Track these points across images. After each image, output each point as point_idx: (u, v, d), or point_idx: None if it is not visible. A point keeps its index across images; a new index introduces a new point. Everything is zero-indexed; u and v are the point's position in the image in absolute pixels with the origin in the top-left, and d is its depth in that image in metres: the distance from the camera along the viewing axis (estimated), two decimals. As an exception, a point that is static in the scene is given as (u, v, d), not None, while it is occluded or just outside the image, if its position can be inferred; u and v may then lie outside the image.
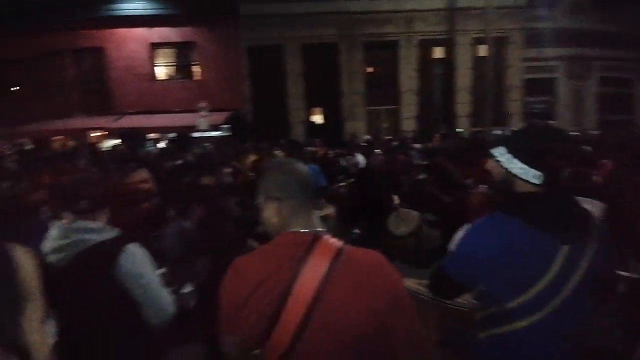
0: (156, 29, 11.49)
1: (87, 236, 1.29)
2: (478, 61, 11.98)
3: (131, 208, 2.39)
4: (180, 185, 4.22)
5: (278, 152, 6.59)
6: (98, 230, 1.32)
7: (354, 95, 12.20)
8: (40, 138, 11.83)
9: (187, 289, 1.96)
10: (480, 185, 2.08)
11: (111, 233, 1.35)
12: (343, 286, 0.87)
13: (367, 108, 12.42)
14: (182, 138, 11.79)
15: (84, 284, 1.27)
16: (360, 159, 5.63)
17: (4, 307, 1.10)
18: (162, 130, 11.49)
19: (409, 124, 12.18)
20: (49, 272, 1.24)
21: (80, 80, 12.01)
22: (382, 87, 12.47)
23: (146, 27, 11.45)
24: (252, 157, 6.72)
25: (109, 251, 1.30)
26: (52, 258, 1.27)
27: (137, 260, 1.33)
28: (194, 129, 9.79)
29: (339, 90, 12.20)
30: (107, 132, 11.17)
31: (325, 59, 12.01)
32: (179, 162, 7.34)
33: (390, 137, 10.40)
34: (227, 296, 0.95)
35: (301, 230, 0.95)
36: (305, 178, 1.00)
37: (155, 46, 11.84)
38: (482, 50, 11.57)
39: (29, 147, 11.22)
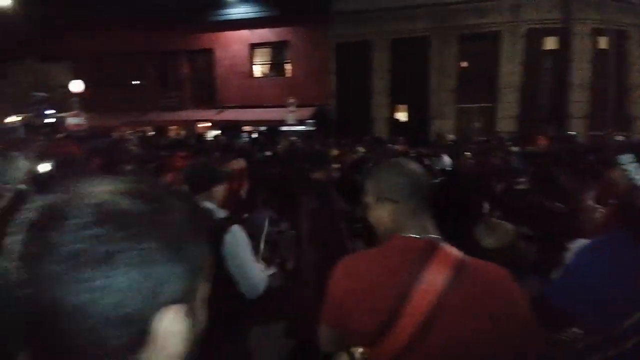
0: (256, 30, 12.50)
1: None
2: (599, 54, 10.18)
3: (231, 192, 2.69)
4: (269, 174, 4.55)
5: (360, 149, 6.63)
6: (211, 210, 1.53)
7: (444, 91, 11.49)
8: (159, 126, 13.98)
9: (271, 270, 2.14)
10: (598, 198, 1.79)
11: (221, 213, 1.56)
12: (464, 299, 0.82)
13: (458, 106, 11.60)
14: (271, 131, 12.69)
15: None
16: (446, 160, 5.28)
17: None
18: (255, 123, 12.52)
19: (506, 124, 11.00)
20: None
21: (193, 78, 13.77)
22: (476, 83, 11.48)
23: (248, 29, 12.54)
24: (333, 152, 6.88)
25: (219, 230, 1.48)
26: None
27: (237, 240, 1.50)
28: (283, 123, 10.43)
29: (427, 87, 11.63)
30: (211, 124, 12.63)
31: (415, 53, 11.55)
32: (268, 153, 7.93)
33: (483, 137, 9.56)
34: (336, 293, 0.93)
35: (416, 236, 0.91)
36: (422, 180, 0.96)
37: (254, 46, 12.91)
38: (604, 42, 9.80)
39: (150, 134, 13.39)
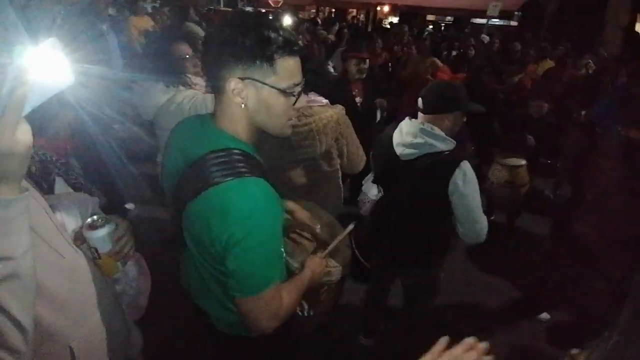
0: None
1: (433, 141, 1.36)
2: None
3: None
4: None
5: (587, 61, 4.87)
6: (442, 139, 1.36)
7: None
8: (338, 7, 13.71)
9: None
10: None
11: (451, 144, 1.37)
12: None
13: None
14: (458, 23, 10.69)
15: (422, 181, 1.40)
16: None
17: None
18: (442, 12, 10.73)
19: None
20: (393, 161, 1.45)
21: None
22: None
23: None
24: (545, 64, 5.29)
25: (449, 163, 1.34)
26: (400, 150, 1.43)
27: (466, 179, 1.33)
28: (478, 14, 8.54)
29: None
30: (392, 9, 11.52)
31: None
32: (454, 53, 6.79)
33: None
34: None
35: None
36: None
37: None
38: None
39: (330, 15, 13.36)
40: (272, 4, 10.16)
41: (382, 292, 1.86)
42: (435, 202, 1.39)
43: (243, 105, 0.76)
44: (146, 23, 5.28)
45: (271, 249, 0.77)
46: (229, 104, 0.76)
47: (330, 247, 1.17)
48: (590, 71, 4.15)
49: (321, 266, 1.04)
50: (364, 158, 1.75)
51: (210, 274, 0.84)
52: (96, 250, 0.80)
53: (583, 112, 3.05)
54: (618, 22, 8.41)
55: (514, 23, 9.69)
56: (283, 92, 0.75)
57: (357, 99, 2.52)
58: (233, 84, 0.73)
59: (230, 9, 9.83)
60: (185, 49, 1.44)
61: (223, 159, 0.75)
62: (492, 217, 2.86)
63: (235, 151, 0.77)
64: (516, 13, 9.01)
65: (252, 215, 0.71)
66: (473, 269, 2.59)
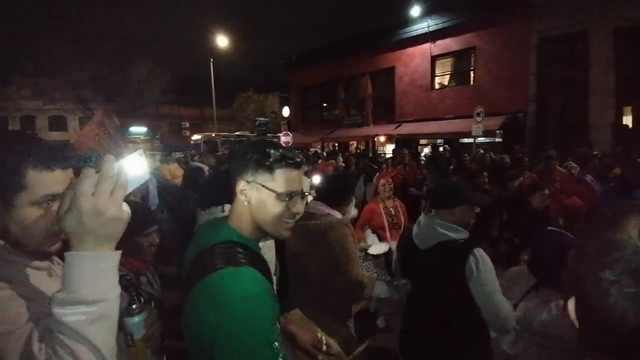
0: (439, 41, 12.22)
1: (445, 231, 1.49)
2: None
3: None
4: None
5: (568, 163, 5.33)
6: (454, 229, 1.50)
7: None
8: (341, 142, 15.69)
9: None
10: None
11: (464, 234, 1.50)
12: None
13: None
14: (449, 144, 12.04)
15: (438, 268, 1.50)
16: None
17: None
18: (432, 136, 12.22)
19: None
20: (413, 250, 1.56)
21: (375, 96, 14.77)
22: None
23: (430, 42, 12.43)
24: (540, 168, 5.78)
25: (463, 251, 1.43)
26: (418, 241, 1.57)
27: (480, 265, 1.38)
28: (464, 135, 9.75)
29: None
30: (388, 138, 13.19)
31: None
32: (451, 167, 7.54)
33: None
34: None
35: None
36: None
37: (435, 58, 12.64)
38: None
39: (335, 149, 15.20)
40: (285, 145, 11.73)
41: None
42: (454, 290, 1.42)
43: (247, 203, 0.88)
44: (176, 169, 6.22)
45: (258, 338, 0.74)
46: (238, 203, 0.90)
47: None
48: (574, 172, 4.44)
49: None
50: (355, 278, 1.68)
51: None
52: (131, 337, 0.83)
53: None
54: (604, 120, 9.36)
55: (498, 139, 10.83)
56: (278, 195, 0.87)
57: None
58: (241, 185, 0.89)
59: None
60: None
61: (225, 250, 0.82)
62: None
63: (238, 244, 0.85)
64: (498, 131, 10.24)
65: (240, 301, 0.73)
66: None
